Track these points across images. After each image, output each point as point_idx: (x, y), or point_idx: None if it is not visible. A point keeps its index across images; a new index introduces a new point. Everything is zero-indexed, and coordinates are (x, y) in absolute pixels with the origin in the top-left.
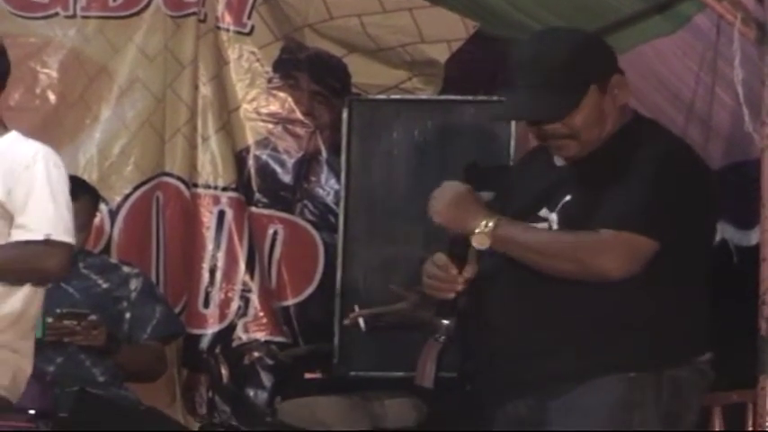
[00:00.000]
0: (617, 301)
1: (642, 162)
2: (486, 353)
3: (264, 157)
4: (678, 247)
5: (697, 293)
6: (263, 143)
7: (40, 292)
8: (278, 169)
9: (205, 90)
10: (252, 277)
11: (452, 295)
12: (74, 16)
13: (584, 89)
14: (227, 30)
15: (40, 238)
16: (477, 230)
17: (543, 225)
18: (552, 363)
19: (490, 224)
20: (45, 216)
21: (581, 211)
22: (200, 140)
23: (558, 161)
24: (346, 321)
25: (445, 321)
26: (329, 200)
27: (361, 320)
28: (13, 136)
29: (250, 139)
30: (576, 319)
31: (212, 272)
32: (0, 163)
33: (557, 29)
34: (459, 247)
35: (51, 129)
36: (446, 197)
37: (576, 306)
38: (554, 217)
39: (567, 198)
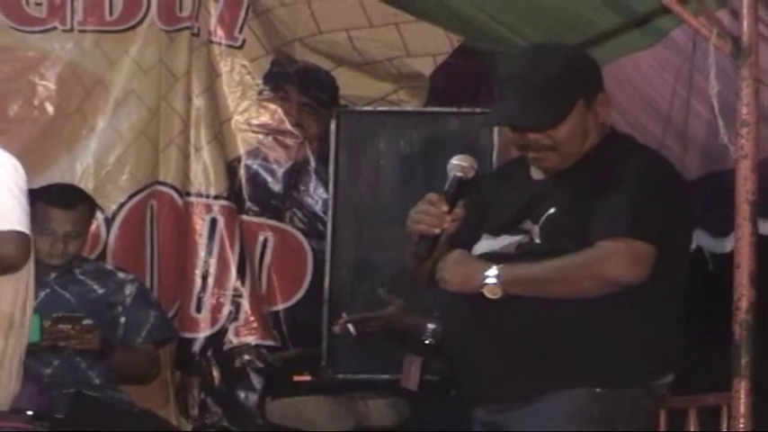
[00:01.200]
0: (585, 321)
1: (625, 174)
2: (460, 366)
3: (255, 166)
4: (663, 258)
5: (671, 310)
6: (254, 153)
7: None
8: (268, 178)
9: (198, 102)
10: (243, 283)
11: (437, 231)
12: (71, 30)
13: (573, 102)
14: (220, 43)
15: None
16: (486, 282)
17: (525, 237)
18: (519, 380)
19: (495, 272)
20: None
21: (565, 224)
22: (192, 150)
23: (536, 174)
24: (336, 328)
25: (431, 325)
26: (318, 208)
27: (350, 326)
28: None
29: (241, 150)
30: (545, 338)
31: (204, 278)
32: None
33: (550, 44)
34: (450, 188)
35: (49, 139)
36: (449, 265)
37: (546, 325)
38: (536, 230)
39: (551, 211)
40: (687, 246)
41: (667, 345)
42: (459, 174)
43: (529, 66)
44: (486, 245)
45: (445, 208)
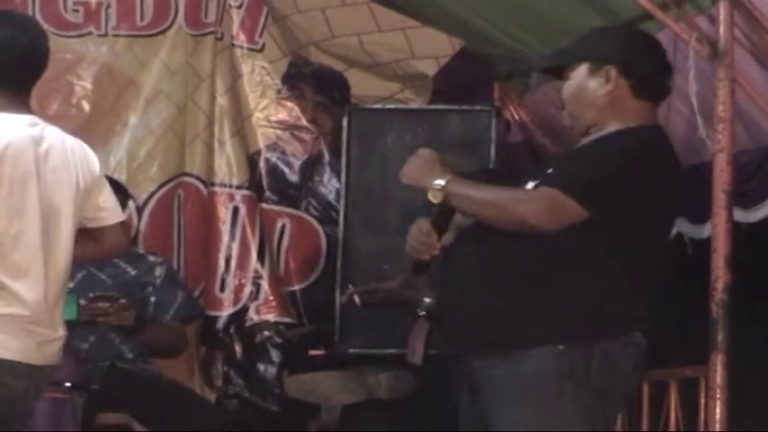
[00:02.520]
0: (552, 274)
1: (609, 145)
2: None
3: (274, 159)
4: (614, 226)
5: (635, 273)
6: (273, 147)
7: None
8: (286, 170)
9: (221, 100)
10: (262, 265)
11: (428, 257)
12: (105, 35)
13: (576, 61)
14: (241, 47)
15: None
16: (432, 186)
17: None
18: (489, 330)
19: (442, 181)
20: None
21: (550, 180)
22: (216, 145)
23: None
24: (343, 298)
25: (427, 299)
26: (331, 197)
27: (355, 297)
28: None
29: (261, 144)
30: (513, 291)
31: (227, 261)
32: None
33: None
34: (441, 219)
35: (86, 134)
36: (415, 161)
37: (514, 278)
38: (531, 185)
39: (549, 171)
40: (656, 222)
41: (630, 304)
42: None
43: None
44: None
45: (435, 238)
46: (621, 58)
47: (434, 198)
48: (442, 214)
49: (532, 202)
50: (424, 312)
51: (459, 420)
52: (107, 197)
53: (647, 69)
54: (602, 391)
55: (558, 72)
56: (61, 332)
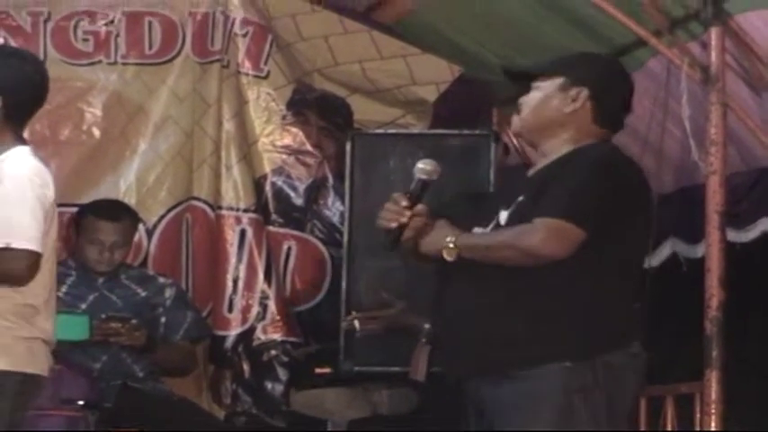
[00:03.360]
0: (551, 293)
1: (577, 164)
2: (443, 342)
3: (279, 183)
4: (605, 240)
5: (627, 285)
6: (279, 171)
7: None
8: (291, 194)
9: (228, 126)
10: (269, 286)
11: (395, 224)
12: (115, 63)
13: (553, 73)
14: (247, 74)
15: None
16: (444, 245)
17: (496, 223)
18: (493, 353)
19: (452, 238)
20: (8, 224)
21: (526, 208)
22: (224, 169)
23: (531, 172)
24: (343, 324)
25: (427, 326)
26: (335, 220)
27: (356, 322)
28: (24, 150)
29: (267, 168)
30: (514, 313)
31: (235, 282)
32: None
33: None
34: (415, 189)
35: (96, 160)
36: (429, 230)
37: (514, 300)
38: (504, 215)
39: (520, 198)
40: (639, 234)
41: (627, 315)
42: (423, 176)
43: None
44: (476, 231)
45: (405, 203)
46: (596, 83)
47: (450, 256)
48: (417, 185)
49: (537, 235)
50: (425, 340)
51: None
52: None
53: (615, 102)
54: (609, 401)
55: (522, 84)
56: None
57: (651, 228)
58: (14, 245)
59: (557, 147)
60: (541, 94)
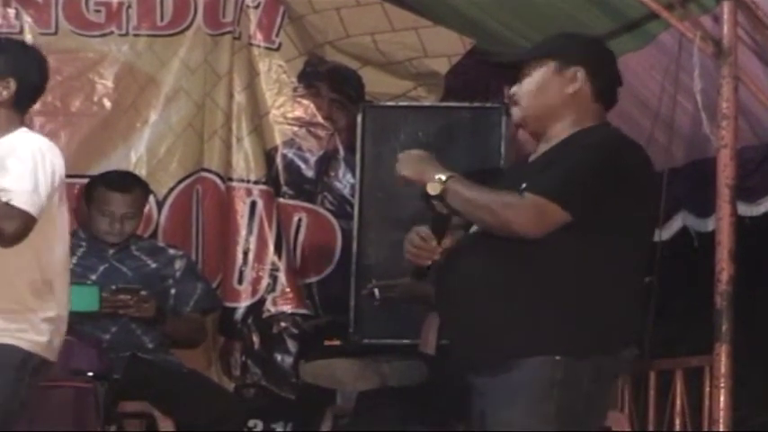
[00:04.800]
0: (550, 286)
1: (577, 146)
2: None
3: (290, 155)
4: (605, 228)
5: (629, 282)
6: (289, 143)
7: None
8: (302, 165)
9: (239, 98)
10: (279, 258)
11: (429, 263)
12: (126, 34)
13: (542, 59)
14: (258, 46)
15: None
16: (433, 179)
17: None
18: (490, 342)
19: (443, 177)
20: (13, 183)
21: (530, 189)
22: (234, 141)
23: (532, 158)
24: (364, 291)
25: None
26: (346, 192)
27: (376, 291)
28: (23, 131)
29: (278, 140)
30: (513, 303)
31: (245, 254)
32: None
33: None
34: (439, 223)
35: (107, 131)
36: (411, 156)
37: (516, 290)
38: None
39: (523, 186)
40: (639, 229)
41: (624, 317)
42: (443, 211)
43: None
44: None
45: (434, 243)
46: (590, 61)
47: (433, 191)
48: (439, 220)
49: (518, 208)
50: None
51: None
52: None
53: (610, 77)
54: (588, 398)
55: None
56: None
57: (655, 211)
58: (14, 202)
59: (562, 130)
60: (537, 81)
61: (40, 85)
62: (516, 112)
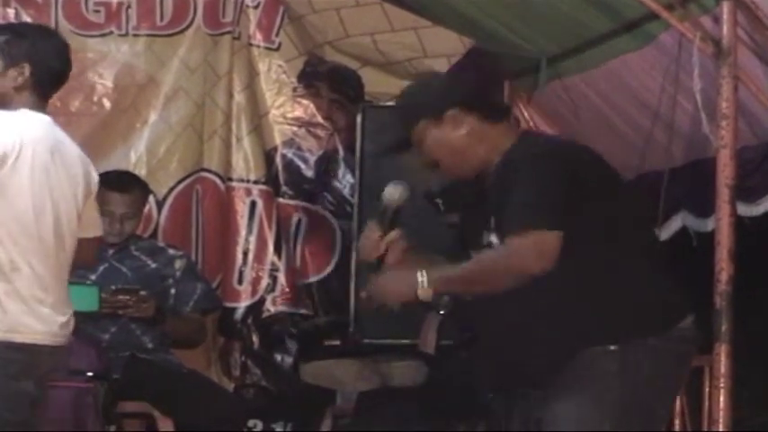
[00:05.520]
0: (580, 291)
1: (517, 168)
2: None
3: (290, 155)
4: (591, 228)
5: (643, 262)
6: (289, 143)
7: None
8: (302, 166)
9: (239, 97)
10: (279, 258)
11: (375, 256)
12: (126, 34)
13: (414, 124)
14: (258, 46)
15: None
16: (417, 290)
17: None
18: (534, 366)
19: (423, 279)
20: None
21: (508, 227)
22: (234, 141)
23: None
24: (363, 293)
25: (446, 297)
26: (345, 192)
27: None
28: (21, 112)
29: (278, 140)
30: (552, 310)
31: (245, 254)
32: None
33: (420, 75)
34: (384, 217)
35: (107, 131)
36: (382, 284)
37: (550, 299)
38: (494, 238)
39: (493, 220)
40: (616, 208)
41: (656, 294)
42: (390, 204)
43: (399, 100)
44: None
45: (377, 236)
46: (465, 97)
47: (427, 297)
48: (384, 214)
49: (525, 253)
50: (443, 311)
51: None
52: (94, 211)
53: (482, 94)
54: (653, 384)
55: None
56: (71, 312)
57: (616, 178)
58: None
59: (487, 161)
60: (431, 143)
61: (61, 70)
62: (448, 172)
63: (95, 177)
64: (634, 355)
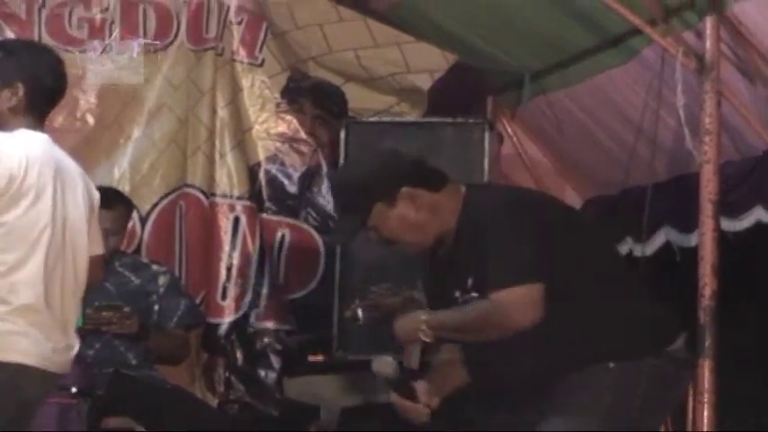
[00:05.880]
0: (584, 320)
1: (486, 226)
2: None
3: (273, 170)
4: (569, 266)
5: (615, 292)
6: (273, 159)
7: None
8: (285, 181)
9: (222, 113)
10: (263, 274)
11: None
12: (109, 50)
13: (368, 209)
14: (242, 62)
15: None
16: (420, 328)
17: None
18: (532, 377)
19: (424, 318)
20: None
21: (495, 284)
22: (217, 156)
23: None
24: (347, 312)
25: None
26: (329, 208)
27: (359, 311)
28: (20, 132)
29: (261, 156)
30: (555, 338)
31: (229, 269)
32: None
33: (359, 156)
34: (405, 390)
35: (90, 147)
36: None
37: (556, 335)
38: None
39: (470, 280)
40: (586, 245)
41: (655, 316)
42: (388, 375)
43: (337, 182)
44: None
45: (420, 405)
46: (403, 176)
47: (426, 338)
48: (403, 384)
49: (512, 309)
50: (429, 340)
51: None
52: (97, 228)
53: (421, 166)
54: (650, 402)
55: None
56: (74, 341)
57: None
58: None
59: (446, 228)
60: (392, 223)
61: (56, 87)
62: (408, 247)
63: (96, 193)
64: (632, 373)
